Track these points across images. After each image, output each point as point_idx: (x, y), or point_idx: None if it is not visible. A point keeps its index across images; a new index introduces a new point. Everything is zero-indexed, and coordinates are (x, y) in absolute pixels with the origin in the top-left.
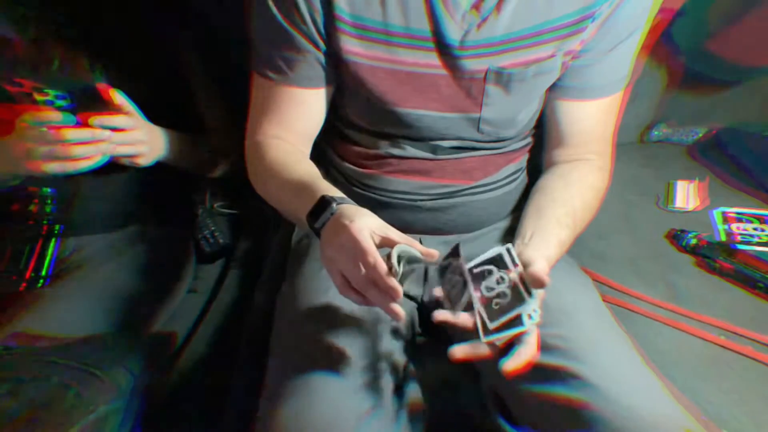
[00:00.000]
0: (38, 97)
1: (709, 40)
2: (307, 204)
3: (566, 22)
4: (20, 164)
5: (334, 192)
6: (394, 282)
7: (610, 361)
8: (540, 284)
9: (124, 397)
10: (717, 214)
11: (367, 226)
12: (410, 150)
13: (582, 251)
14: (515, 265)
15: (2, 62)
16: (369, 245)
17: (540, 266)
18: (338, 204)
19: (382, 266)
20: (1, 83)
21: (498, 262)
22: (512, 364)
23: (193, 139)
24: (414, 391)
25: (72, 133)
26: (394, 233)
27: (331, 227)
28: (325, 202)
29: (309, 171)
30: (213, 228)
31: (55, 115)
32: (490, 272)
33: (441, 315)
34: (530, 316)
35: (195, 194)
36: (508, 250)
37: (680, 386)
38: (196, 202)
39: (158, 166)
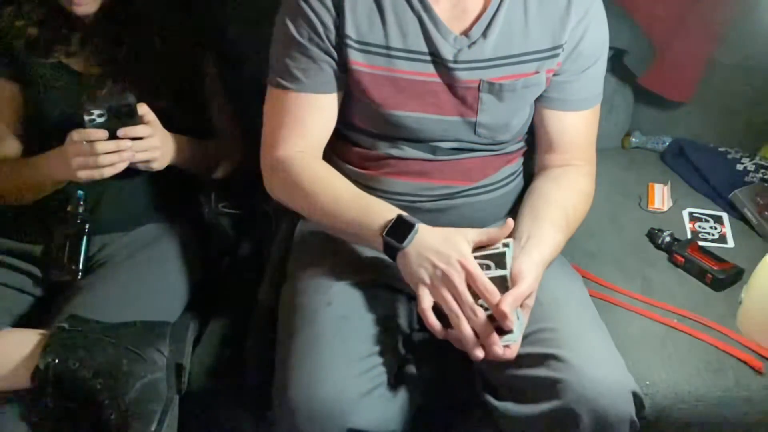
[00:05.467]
0: (85, 116)
1: (641, 77)
2: (377, 220)
3: (541, 51)
4: (71, 173)
5: (398, 210)
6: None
7: (587, 346)
8: (500, 315)
9: (163, 371)
10: (686, 214)
11: (472, 257)
12: (410, 151)
13: (573, 249)
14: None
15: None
16: (488, 282)
17: (513, 296)
18: (417, 224)
19: (497, 299)
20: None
21: (499, 258)
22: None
23: (200, 143)
24: (410, 372)
25: (101, 146)
26: (481, 236)
27: (428, 253)
28: (406, 223)
29: (356, 188)
30: (218, 227)
31: (101, 134)
32: None
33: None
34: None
35: (201, 195)
36: (508, 246)
37: (635, 359)
38: (202, 203)
39: (169, 169)
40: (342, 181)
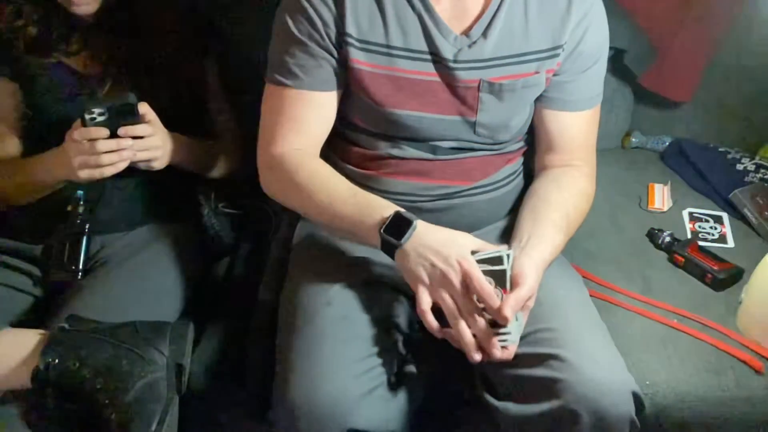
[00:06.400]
0: (86, 115)
1: (641, 77)
2: (374, 217)
3: (542, 51)
4: (72, 173)
5: (395, 206)
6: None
7: (587, 346)
8: (502, 319)
9: (163, 371)
10: (686, 214)
11: (471, 258)
12: (410, 151)
13: (574, 249)
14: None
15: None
16: (487, 285)
17: (515, 298)
18: (416, 220)
19: (494, 300)
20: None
21: (496, 262)
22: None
23: (201, 142)
24: (410, 372)
25: (102, 145)
26: (484, 246)
27: (427, 252)
28: (404, 220)
29: (352, 184)
30: (217, 227)
31: (102, 132)
32: None
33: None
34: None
35: (201, 195)
36: (507, 256)
37: (635, 359)
38: (202, 203)
39: (169, 169)
40: (338, 178)
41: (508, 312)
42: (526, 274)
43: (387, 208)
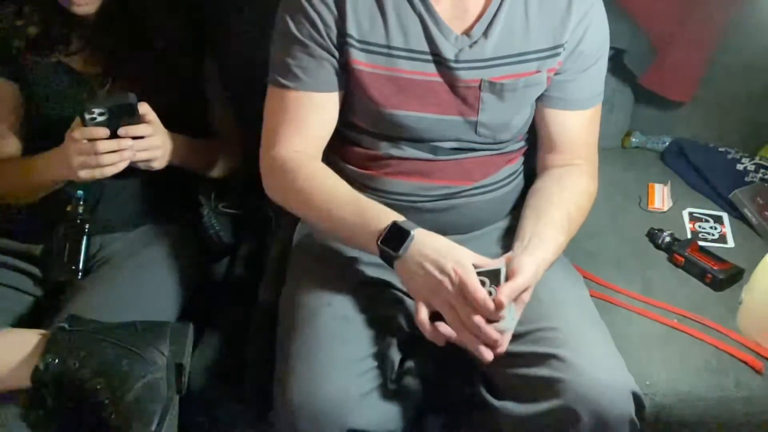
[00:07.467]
0: (86, 114)
1: (641, 77)
2: (372, 225)
3: (542, 51)
4: (72, 172)
5: (396, 215)
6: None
7: (588, 346)
8: (496, 307)
9: (163, 371)
10: (686, 214)
11: (471, 268)
12: (410, 151)
13: (573, 249)
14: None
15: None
16: (481, 291)
17: (511, 287)
18: (413, 230)
19: (490, 305)
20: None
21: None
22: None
23: (200, 142)
24: (410, 372)
25: (103, 145)
26: (482, 261)
27: (425, 262)
28: (402, 231)
29: (352, 189)
30: (217, 227)
31: (103, 132)
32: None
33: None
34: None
35: (201, 195)
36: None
37: (635, 359)
38: (202, 203)
39: (168, 169)
40: (337, 182)
41: (503, 300)
42: (525, 268)
43: (385, 217)
